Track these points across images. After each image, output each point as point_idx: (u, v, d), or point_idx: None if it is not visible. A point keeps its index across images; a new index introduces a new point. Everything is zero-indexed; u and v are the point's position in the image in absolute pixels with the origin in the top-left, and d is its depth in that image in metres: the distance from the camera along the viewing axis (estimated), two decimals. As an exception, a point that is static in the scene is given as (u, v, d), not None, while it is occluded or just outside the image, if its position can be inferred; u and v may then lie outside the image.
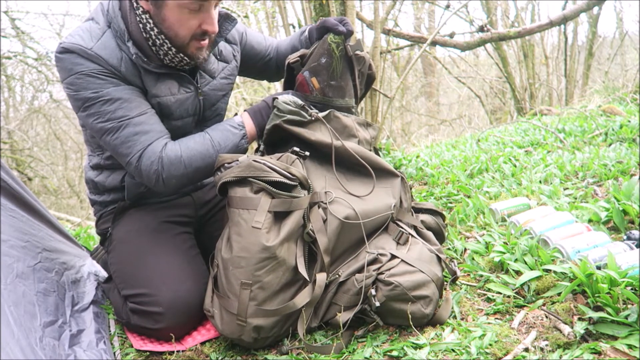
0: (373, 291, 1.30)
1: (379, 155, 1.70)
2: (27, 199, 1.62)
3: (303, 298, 1.32)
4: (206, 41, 1.48)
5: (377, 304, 1.28)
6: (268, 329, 1.32)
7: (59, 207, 8.76)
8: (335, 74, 1.58)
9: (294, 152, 1.43)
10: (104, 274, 1.80)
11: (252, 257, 1.29)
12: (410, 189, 1.70)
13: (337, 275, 1.37)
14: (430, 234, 1.56)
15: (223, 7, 1.63)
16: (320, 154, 1.52)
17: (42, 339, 1.24)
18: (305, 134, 1.47)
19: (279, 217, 1.34)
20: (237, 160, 1.39)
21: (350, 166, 1.55)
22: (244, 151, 1.52)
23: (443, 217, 1.78)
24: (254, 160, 1.36)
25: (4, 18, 7.38)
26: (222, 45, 1.70)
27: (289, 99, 1.49)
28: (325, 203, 1.40)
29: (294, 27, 4.41)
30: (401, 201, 1.59)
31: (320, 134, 1.49)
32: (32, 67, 8.43)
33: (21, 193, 1.60)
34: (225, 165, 1.41)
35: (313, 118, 1.48)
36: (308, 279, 1.34)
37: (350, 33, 1.58)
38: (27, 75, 9.13)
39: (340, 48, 1.57)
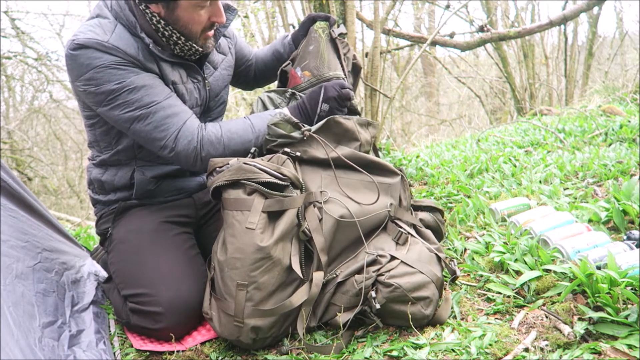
0: (373, 293, 1.29)
1: (378, 154, 1.71)
2: (27, 199, 1.62)
3: (300, 297, 1.32)
4: (212, 31, 1.55)
5: (378, 306, 1.28)
6: (266, 330, 1.32)
7: (59, 207, 8.75)
8: (323, 58, 1.66)
9: (284, 153, 1.44)
10: (104, 274, 1.80)
11: (246, 258, 1.29)
12: (410, 186, 1.70)
13: (334, 275, 1.37)
14: (429, 233, 1.56)
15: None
16: (316, 162, 1.51)
17: (42, 339, 1.24)
18: (297, 153, 1.47)
19: (273, 217, 1.34)
20: (228, 164, 1.39)
21: (350, 167, 1.54)
22: None
23: (442, 213, 1.77)
24: (245, 163, 1.36)
25: (4, 18, 7.38)
26: (224, 41, 1.76)
27: (280, 119, 1.49)
28: (320, 202, 1.40)
29: (293, 27, 4.40)
30: (400, 200, 1.59)
31: (314, 150, 1.48)
32: (32, 67, 8.42)
33: (21, 193, 1.60)
34: (217, 169, 1.41)
35: (305, 137, 1.47)
36: (302, 277, 1.34)
37: (333, 20, 1.72)
38: (27, 75, 9.13)
39: (326, 32, 1.69)
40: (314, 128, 1.49)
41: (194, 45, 1.53)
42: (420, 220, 1.65)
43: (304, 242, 1.39)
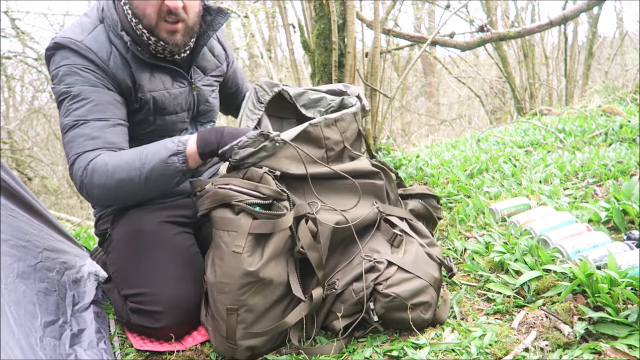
0: (371, 305, 1.28)
1: (368, 146, 1.66)
2: (27, 199, 1.62)
3: (297, 315, 1.30)
4: (178, 25, 1.46)
5: (376, 318, 1.27)
6: (261, 346, 1.30)
7: (59, 207, 8.74)
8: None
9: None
10: (103, 274, 1.80)
11: (234, 283, 1.26)
12: (397, 176, 1.67)
13: (333, 290, 1.35)
14: (421, 227, 1.54)
15: (226, 9, 1.65)
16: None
17: (43, 338, 1.24)
18: (277, 173, 1.34)
19: (262, 237, 1.29)
20: (205, 189, 1.34)
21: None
22: (176, 172, 1.38)
23: (437, 198, 1.75)
24: (219, 188, 1.30)
25: (4, 18, 7.39)
26: (219, 48, 1.76)
27: (244, 142, 1.32)
28: (313, 213, 1.35)
29: (294, 27, 4.40)
30: (388, 194, 1.56)
31: (288, 162, 1.37)
32: (32, 67, 8.42)
33: (21, 193, 1.60)
34: (197, 193, 1.37)
35: (278, 143, 1.33)
36: (303, 299, 1.31)
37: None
38: (27, 75, 9.14)
39: None
40: (288, 136, 1.37)
41: (157, 39, 1.47)
42: (411, 211, 1.63)
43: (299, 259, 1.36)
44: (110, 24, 1.47)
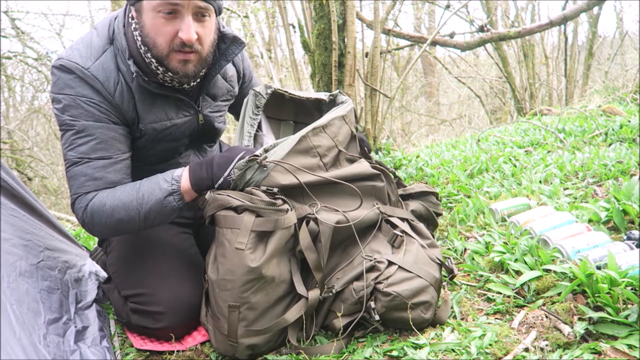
0: (372, 304, 1.28)
1: (363, 146, 1.66)
2: (27, 199, 1.62)
3: (295, 313, 1.31)
4: (191, 55, 1.38)
5: (377, 317, 1.28)
6: (262, 345, 1.31)
7: (59, 207, 8.74)
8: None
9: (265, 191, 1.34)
10: (103, 274, 1.80)
11: (237, 280, 1.26)
12: (395, 176, 1.67)
13: (330, 293, 1.35)
14: (422, 227, 1.54)
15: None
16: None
17: (46, 336, 1.24)
18: (275, 189, 1.35)
19: (265, 234, 1.30)
20: (206, 199, 1.35)
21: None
22: (173, 210, 1.38)
23: (436, 195, 1.75)
24: (218, 194, 1.32)
25: (4, 18, 7.39)
26: (232, 71, 1.69)
27: (238, 174, 1.34)
28: (313, 214, 1.35)
29: (294, 27, 4.40)
30: (389, 195, 1.56)
31: (283, 177, 1.37)
32: (32, 67, 8.42)
33: (21, 193, 1.60)
34: (200, 207, 1.38)
35: (266, 167, 1.33)
36: (307, 297, 1.32)
37: None
38: (27, 75, 9.14)
39: None
40: (278, 154, 1.38)
41: (166, 69, 1.39)
42: (412, 211, 1.63)
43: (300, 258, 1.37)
44: (119, 48, 1.41)
